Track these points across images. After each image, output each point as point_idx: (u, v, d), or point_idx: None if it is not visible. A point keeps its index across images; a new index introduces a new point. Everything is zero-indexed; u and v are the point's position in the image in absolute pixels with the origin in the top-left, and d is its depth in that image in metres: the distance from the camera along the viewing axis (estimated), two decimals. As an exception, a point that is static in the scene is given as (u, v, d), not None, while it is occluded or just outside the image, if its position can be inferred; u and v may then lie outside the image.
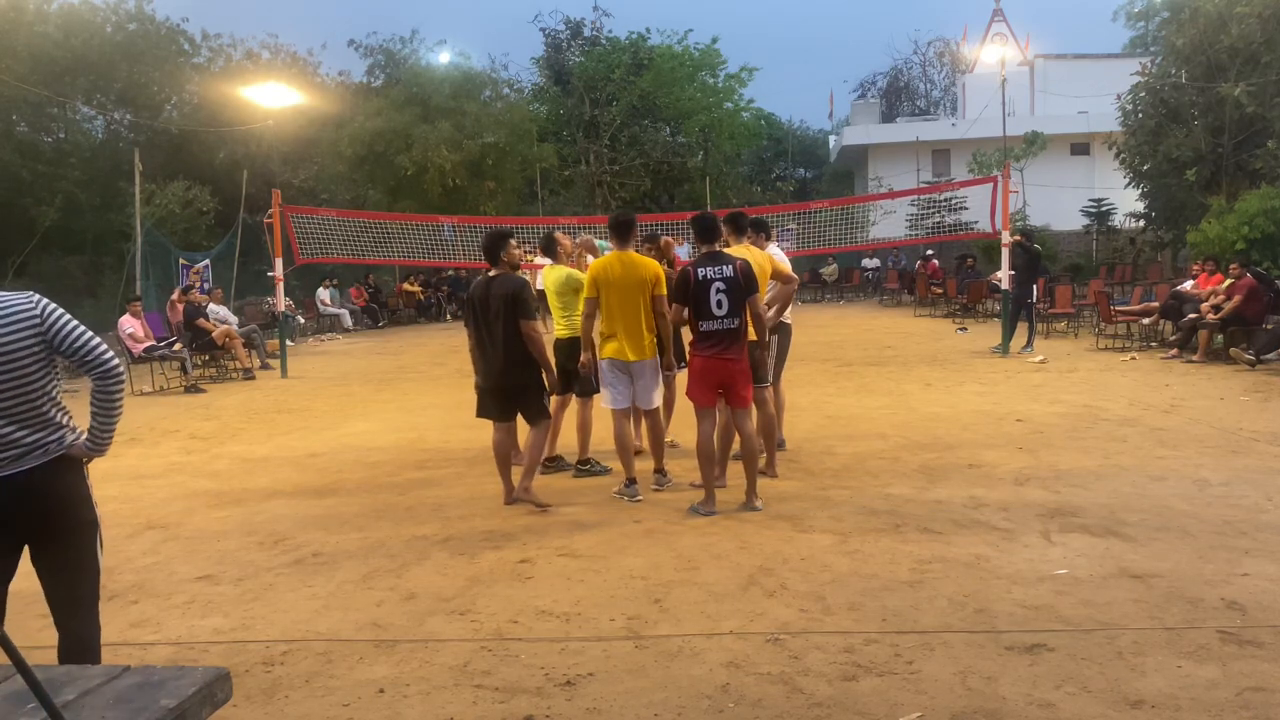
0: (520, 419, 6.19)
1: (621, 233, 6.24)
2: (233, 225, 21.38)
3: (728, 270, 5.72)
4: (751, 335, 5.97)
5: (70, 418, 3.10)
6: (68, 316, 3.03)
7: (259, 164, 24.68)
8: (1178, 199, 20.88)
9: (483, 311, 5.92)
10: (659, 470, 6.42)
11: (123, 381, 3.10)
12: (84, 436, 3.07)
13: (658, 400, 6.37)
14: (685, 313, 5.78)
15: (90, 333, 3.05)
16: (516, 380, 5.93)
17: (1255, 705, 3.23)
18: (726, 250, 6.66)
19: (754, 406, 6.18)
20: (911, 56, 57.17)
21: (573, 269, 7.07)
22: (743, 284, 5.73)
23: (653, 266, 6.23)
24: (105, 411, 3.06)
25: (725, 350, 5.72)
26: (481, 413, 6.17)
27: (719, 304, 5.68)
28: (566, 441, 7.12)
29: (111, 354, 3.07)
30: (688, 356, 5.98)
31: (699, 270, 5.73)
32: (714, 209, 24.01)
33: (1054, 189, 28.71)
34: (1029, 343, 13.71)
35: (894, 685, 3.46)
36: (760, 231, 7.24)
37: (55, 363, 3.04)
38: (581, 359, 6.45)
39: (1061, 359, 12.71)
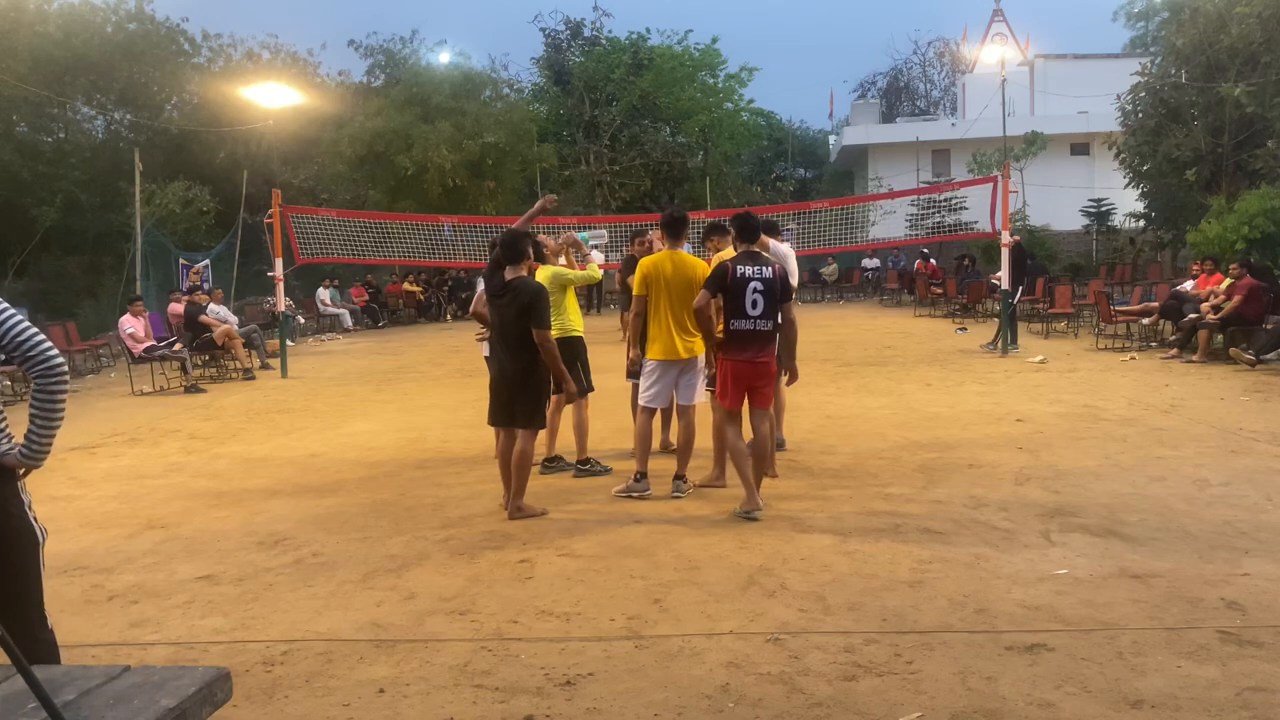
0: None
1: (673, 231, 6.18)
2: (233, 225, 21.39)
3: (766, 271, 5.62)
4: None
5: (7, 425, 2.89)
6: (12, 310, 2.83)
7: (259, 164, 24.68)
8: (1178, 199, 20.89)
9: (499, 314, 5.79)
10: (680, 476, 6.24)
11: (65, 381, 2.86)
12: (17, 447, 2.85)
13: (700, 397, 6.29)
14: (713, 305, 5.64)
15: (35, 329, 2.82)
16: (524, 388, 5.79)
17: (1255, 705, 3.23)
18: (729, 251, 6.68)
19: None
20: (911, 57, 57.19)
21: (560, 267, 7.07)
22: (779, 287, 5.64)
23: (702, 266, 6.16)
24: (45, 415, 2.81)
25: (758, 354, 5.65)
26: (490, 419, 6.03)
27: (754, 304, 5.57)
28: (566, 441, 7.12)
29: (56, 352, 2.83)
30: (717, 360, 5.84)
31: (738, 267, 5.60)
32: (714, 209, 24.07)
33: (1054, 189, 28.72)
34: (1011, 340, 13.72)
35: (894, 685, 3.46)
36: (775, 234, 7.25)
37: None
38: (630, 355, 6.44)
39: (1061, 359, 12.71)
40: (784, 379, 5.96)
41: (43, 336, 2.82)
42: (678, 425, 6.40)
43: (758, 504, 5.65)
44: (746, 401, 5.83)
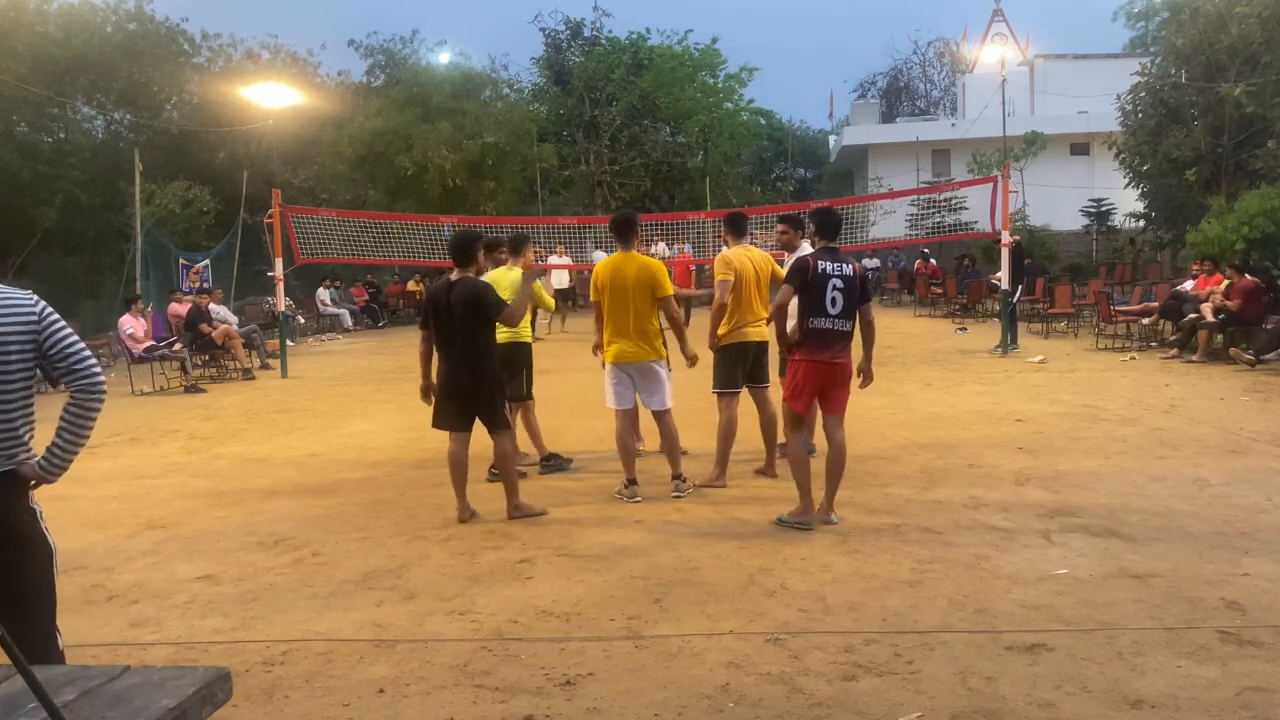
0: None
1: (621, 233, 6.22)
2: (233, 225, 21.38)
3: (847, 269, 5.42)
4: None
5: (32, 437, 2.83)
6: (64, 321, 2.82)
7: (259, 164, 24.67)
8: (1177, 199, 20.88)
9: (446, 317, 5.73)
10: (677, 476, 6.23)
11: (103, 400, 2.82)
12: (36, 457, 2.78)
13: (668, 402, 6.26)
14: (791, 299, 5.45)
15: (83, 343, 2.82)
16: (479, 389, 5.77)
17: (1255, 705, 3.23)
18: (726, 250, 6.68)
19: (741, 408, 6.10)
20: (911, 57, 57.13)
21: (521, 272, 7.07)
22: (859, 287, 5.45)
23: (653, 266, 6.19)
24: (75, 430, 2.76)
25: (836, 354, 5.41)
26: (439, 424, 5.97)
27: (833, 302, 5.36)
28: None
29: (100, 370, 2.82)
30: (790, 360, 5.56)
31: (819, 264, 5.38)
32: (714, 209, 24.05)
33: (1054, 189, 28.70)
34: (1012, 340, 13.74)
35: (894, 685, 3.46)
36: (798, 229, 7.23)
37: (35, 373, 2.79)
38: (599, 359, 6.45)
39: (1061, 359, 12.71)
40: (858, 382, 5.65)
41: (90, 352, 2.80)
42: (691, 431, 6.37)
43: (812, 516, 5.41)
44: (827, 413, 5.56)
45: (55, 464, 2.78)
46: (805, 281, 5.38)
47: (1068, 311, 16.02)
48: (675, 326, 6.25)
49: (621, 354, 6.12)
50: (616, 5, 47.27)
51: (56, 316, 2.79)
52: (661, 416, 6.27)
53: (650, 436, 7.20)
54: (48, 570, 2.81)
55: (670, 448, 6.31)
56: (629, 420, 6.31)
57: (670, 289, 6.18)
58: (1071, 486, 6.17)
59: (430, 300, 5.92)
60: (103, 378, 2.82)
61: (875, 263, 27.56)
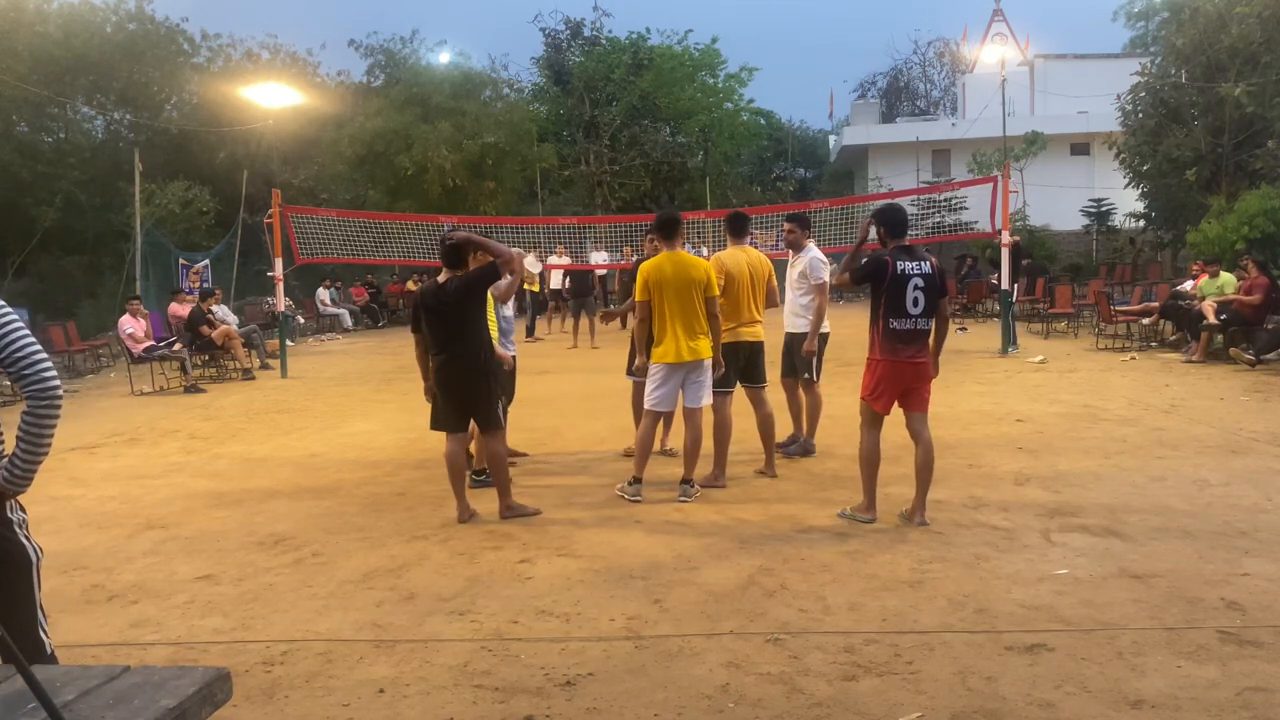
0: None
1: (668, 232, 6.13)
2: (233, 225, 21.39)
3: (926, 267, 5.32)
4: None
5: (3, 445, 2.68)
6: (18, 321, 2.60)
7: (259, 164, 24.68)
8: (1178, 199, 20.89)
9: (441, 317, 5.74)
10: (686, 481, 6.17)
11: (60, 408, 2.62)
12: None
13: (707, 399, 6.21)
14: (846, 283, 5.52)
15: (39, 346, 2.60)
16: (473, 388, 5.77)
17: (1255, 705, 3.23)
18: (727, 251, 6.69)
19: (733, 408, 6.05)
20: (911, 57, 57.15)
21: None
22: (939, 284, 5.36)
23: (703, 266, 6.13)
24: (33, 440, 2.56)
25: (917, 354, 5.36)
26: (436, 424, 6.00)
27: (915, 301, 5.27)
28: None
29: (55, 375, 2.61)
30: (870, 359, 5.50)
31: (898, 263, 5.28)
32: (714, 209, 24.04)
33: (1054, 189, 28.71)
34: (1011, 340, 13.75)
35: (894, 685, 3.46)
36: (805, 228, 7.22)
37: None
38: (637, 362, 6.39)
39: (1061, 359, 12.71)
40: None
41: (45, 356, 2.60)
42: (684, 428, 6.31)
43: (875, 513, 5.45)
44: (912, 411, 5.48)
45: (17, 476, 2.61)
46: (883, 284, 5.30)
47: (1068, 311, 16.03)
48: (715, 327, 6.16)
49: (679, 352, 6.02)
50: (616, 5, 47.29)
51: (12, 316, 2.56)
52: (696, 414, 6.19)
53: (670, 438, 7.21)
54: (27, 579, 2.67)
55: (692, 449, 6.19)
56: (657, 423, 6.26)
57: (717, 289, 6.13)
58: (1071, 486, 6.16)
59: (420, 303, 5.89)
60: (58, 384, 2.60)
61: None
